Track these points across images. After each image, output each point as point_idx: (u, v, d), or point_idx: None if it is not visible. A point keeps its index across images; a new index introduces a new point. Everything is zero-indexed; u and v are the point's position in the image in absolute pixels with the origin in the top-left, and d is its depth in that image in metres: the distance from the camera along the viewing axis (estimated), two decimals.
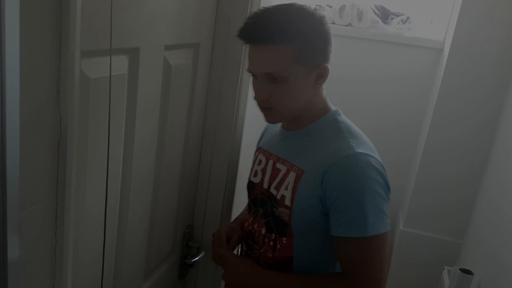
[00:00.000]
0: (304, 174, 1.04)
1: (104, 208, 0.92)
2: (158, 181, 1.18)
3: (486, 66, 1.86)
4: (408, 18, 2.24)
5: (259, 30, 0.98)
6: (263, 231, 1.14)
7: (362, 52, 2.27)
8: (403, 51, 2.20)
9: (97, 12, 0.78)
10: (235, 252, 1.25)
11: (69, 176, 0.73)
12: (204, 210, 1.45)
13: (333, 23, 2.30)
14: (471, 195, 1.95)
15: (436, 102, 1.94)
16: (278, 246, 1.11)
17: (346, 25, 2.28)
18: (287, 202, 1.06)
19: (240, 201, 1.44)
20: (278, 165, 1.11)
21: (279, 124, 1.19)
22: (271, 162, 1.14)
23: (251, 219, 1.19)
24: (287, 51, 0.97)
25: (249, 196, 1.21)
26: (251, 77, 1.05)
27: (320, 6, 2.32)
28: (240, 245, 1.26)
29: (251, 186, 1.20)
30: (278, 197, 1.08)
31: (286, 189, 1.07)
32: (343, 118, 1.11)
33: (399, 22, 2.23)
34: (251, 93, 1.32)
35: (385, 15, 2.26)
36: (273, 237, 1.12)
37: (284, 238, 1.09)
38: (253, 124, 1.43)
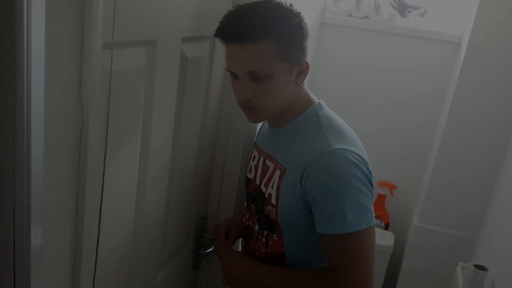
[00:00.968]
0: (286, 172, 1.04)
1: (122, 200, 0.93)
2: (173, 173, 1.19)
3: (505, 61, 1.83)
4: (426, 11, 2.21)
5: (239, 28, 0.96)
6: (256, 227, 1.16)
7: (378, 45, 2.25)
8: (420, 45, 2.18)
9: (118, 4, 0.78)
10: (237, 246, 1.26)
11: (90, 167, 0.74)
12: (217, 202, 1.46)
13: (350, 15, 2.28)
14: (487, 191, 1.93)
15: (453, 97, 1.92)
16: (270, 242, 1.12)
17: (363, 18, 2.26)
18: (273, 200, 1.07)
19: None
20: (267, 162, 1.11)
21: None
22: (262, 158, 1.14)
23: (247, 215, 1.20)
24: (269, 48, 0.96)
25: (246, 192, 1.22)
26: (231, 77, 1.04)
27: None
28: (241, 239, 1.28)
29: (247, 181, 1.21)
30: (266, 195, 1.09)
31: (272, 187, 1.07)
32: (325, 111, 1.09)
33: (416, 15, 2.20)
34: None
35: (402, 8, 2.23)
36: (265, 234, 1.13)
37: (275, 235, 1.11)
38: None
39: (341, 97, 2.33)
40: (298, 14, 1.01)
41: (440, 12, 2.22)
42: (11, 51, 0.54)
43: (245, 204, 1.24)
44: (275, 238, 1.11)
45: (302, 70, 1.03)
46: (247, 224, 1.21)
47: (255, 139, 1.26)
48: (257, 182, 1.14)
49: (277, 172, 1.06)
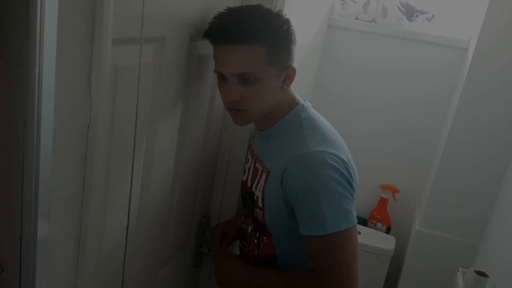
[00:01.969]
0: (270, 175, 1.05)
1: (126, 195, 0.94)
2: (178, 170, 1.19)
3: (511, 67, 1.83)
4: (433, 16, 2.21)
5: (230, 30, 0.96)
6: (250, 229, 1.17)
7: (385, 49, 2.25)
8: (426, 50, 2.18)
9: (127, 1, 0.79)
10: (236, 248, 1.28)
11: (96, 160, 0.74)
12: (220, 200, 1.46)
13: (357, 18, 2.29)
14: (490, 197, 1.93)
15: (458, 102, 1.92)
16: (261, 244, 1.13)
17: (370, 21, 2.26)
18: (260, 203, 1.08)
19: None
20: (257, 165, 1.12)
21: None
22: (253, 161, 1.15)
23: (243, 217, 1.22)
24: (260, 52, 0.96)
25: (241, 193, 1.24)
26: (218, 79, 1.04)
27: (344, 1, 2.30)
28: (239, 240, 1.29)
29: (242, 183, 1.22)
30: (255, 197, 1.10)
31: (260, 190, 1.08)
32: (308, 112, 1.09)
33: (424, 20, 2.20)
34: None
35: (410, 12, 2.23)
36: (257, 236, 1.14)
37: (265, 237, 1.12)
38: None
39: (347, 99, 2.33)
40: (287, 20, 1.02)
41: (448, 17, 2.22)
42: (23, 46, 0.54)
43: (241, 206, 1.25)
44: (266, 240, 1.12)
45: (289, 75, 1.04)
46: (243, 226, 1.22)
47: (250, 142, 1.27)
48: (249, 184, 1.15)
49: (264, 175, 1.07)
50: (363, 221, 2.39)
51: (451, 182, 1.98)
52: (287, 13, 1.19)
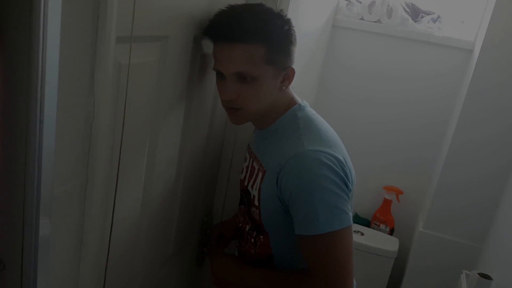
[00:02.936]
0: (265, 174, 1.05)
1: (129, 193, 0.94)
2: (180, 169, 1.19)
3: None
4: (438, 17, 2.20)
5: (229, 28, 0.96)
6: (247, 228, 1.17)
7: (390, 50, 2.24)
8: (432, 50, 2.17)
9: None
10: (233, 247, 1.28)
11: (99, 158, 0.74)
12: (223, 199, 1.46)
13: (362, 19, 2.28)
14: (494, 199, 1.92)
15: (463, 103, 1.91)
16: (258, 243, 1.13)
17: (375, 22, 2.26)
18: (256, 202, 1.08)
19: None
20: (254, 164, 1.12)
21: None
22: (251, 160, 1.15)
23: (241, 216, 1.21)
24: (258, 51, 0.96)
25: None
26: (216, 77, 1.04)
27: (350, 1, 2.30)
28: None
29: (240, 182, 1.22)
30: (252, 196, 1.10)
31: (256, 189, 1.08)
32: (305, 112, 1.09)
33: (429, 20, 2.19)
34: None
35: (415, 13, 2.23)
36: (254, 235, 1.14)
37: (261, 236, 1.11)
38: None
39: (351, 101, 2.33)
40: (288, 20, 1.02)
41: (453, 18, 2.21)
42: (26, 43, 0.54)
43: (239, 205, 1.25)
44: (262, 239, 1.11)
45: (287, 76, 1.04)
46: (240, 225, 1.22)
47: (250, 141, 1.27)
48: (246, 183, 1.15)
49: (260, 174, 1.07)
50: (366, 222, 2.38)
51: (455, 184, 1.98)
52: (291, 12, 1.18)
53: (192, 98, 1.15)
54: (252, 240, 1.15)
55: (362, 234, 2.23)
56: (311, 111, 1.10)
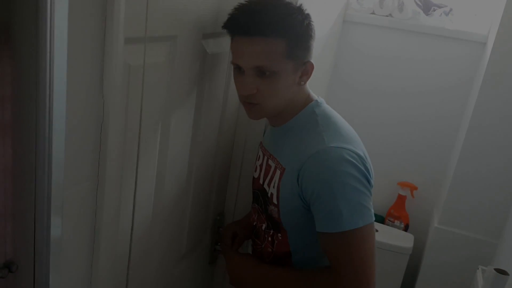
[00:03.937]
0: (285, 171, 1.04)
1: (141, 193, 0.94)
2: (192, 168, 1.19)
3: None
4: (451, 10, 2.17)
5: (249, 22, 0.96)
6: (264, 226, 1.16)
7: (402, 44, 2.22)
8: (444, 44, 2.14)
9: (139, 0, 0.79)
10: (247, 246, 1.27)
11: (110, 159, 0.75)
12: (235, 198, 1.46)
13: (373, 13, 2.26)
14: (510, 193, 1.89)
15: (477, 97, 1.89)
16: (276, 241, 1.13)
17: (386, 16, 2.23)
18: (275, 200, 1.07)
19: None
20: (270, 162, 1.11)
21: None
22: (265, 158, 1.14)
23: (255, 214, 1.21)
24: (279, 45, 0.96)
25: (252, 191, 1.23)
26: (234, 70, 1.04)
27: None
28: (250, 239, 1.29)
29: (253, 180, 1.22)
30: (269, 194, 1.09)
31: (274, 187, 1.07)
32: (323, 108, 1.08)
33: (441, 13, 2.16)
34: None
35: (427, 6, 2.20)
36: (271, 233, 1.14)
37: (279, 234, 1.11)
38: None
39: (363, 97, 2.31)
40: (308, 15, 1.01)
41: (466, 10, 2.17)
42: (34, 45, 0.55)
43: (252, 203, 1.24)
44: (280, 237, 1.11)
45: (306, 71, 1.03)
46: (255, 223, 1.22)
47: (262, 138, 1.27)
48: (261, 181, 1.14)
49: (278, 172, 1.06)
50: (380, 219, 2.36)
51: (470, 178, 1.95)
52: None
53: (202, 97, 1.15)
54: (270, 238, 1.14)
55: (377, 230, 2.19)
56: (328, 108, 1.10)
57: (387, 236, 2.18)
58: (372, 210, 0.98)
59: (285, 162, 1.05)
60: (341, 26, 2.27)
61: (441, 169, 2.25)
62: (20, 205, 0.61)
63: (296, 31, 0.98)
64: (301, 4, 1.02)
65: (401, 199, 2.31)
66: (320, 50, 1.94)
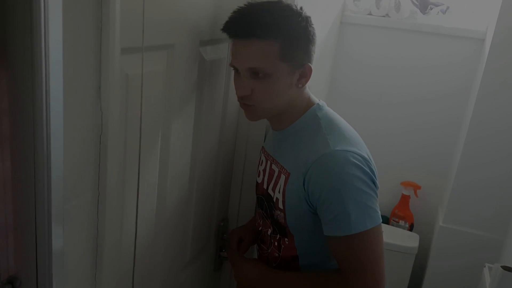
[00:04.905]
0: (290, 176, 1.04)
1: (143, 203, 0.94)
2: (193, 176, 1.19)
3: None
4: (448, 7, 2.17)
5: (244, 24, 0.97)
6: (269, 231, 1.16)
7: (400, 44, 2.22)
8: (442, 42, 2.14)
9: (134, 10, 0.79)
10: (252, 252, 1.27)
11: (110, 170, 0.75)
12: (238, 204, 1.46)
13: (370, 14, 2.26)
14: None
15: (478, 94, 1.88)
16: (282, 246, 1.12)
17: (383, 16, 2.23)
18: (280, 205, 1.07)
19: None
20: (273, 166, 1.11)
21: None
22: (268, 162, 1.14)
23: (260, 219, 1.21)
24: (272, 47, 0.96)
25: (256, 196, 1.23)
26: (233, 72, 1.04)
27: None
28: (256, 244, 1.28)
29: (256, 185, 1.22)
30: (274, 199, 1.09)
31: (279, 192, 1.07)
32: (325, 112, 1.08)
33: (438, 12, 2.16)
34: None
35: (424, 5, 2.20)
36: (277, 238, 1.13)
37: (286, 239, 1.11)
38: None
39: (363, 97, 2.30)
40: (307, 18, 1.01)
41: (463, 8, 2.17)
42: (30, 58, 0.55)
43: (256, 209, 1.24)
44: (287, 242, 1.11)
45: (304, 74, 1.03)
46: (260, 228, 1.21)
47: (263, 144, 1.26)
48: (265, 186, 1.14)
49: (282, 177, 1.06)
50: (385, 220, 2.35)
51: (473, 175, 1.94)
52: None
53: (202, 104, 1.15)
54: (276, 243, 1.14)
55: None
56: (330, 111, 1.10)
57: (392, 236, 2.17)
58: (379, 212, 0.99)
59: (290, 167, 1.05)
60: (339, 28, 2.27)
61: (444, 167, 2.24)
62: (20, 219, 0.61)
63: (291, 33, 0.97)
64: (301, 7, 1.02)
65: (405, 199, 2.30)
66: (318, 53, 1.94)
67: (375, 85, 2.28)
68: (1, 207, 0.60)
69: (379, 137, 2.30)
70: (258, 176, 1.20)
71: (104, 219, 0.78)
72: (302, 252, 1.10)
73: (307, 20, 1.01)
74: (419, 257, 2.19)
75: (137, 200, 0.94)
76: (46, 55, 0.54)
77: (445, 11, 2.17)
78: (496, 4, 1.90)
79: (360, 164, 0.96)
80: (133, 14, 0.79)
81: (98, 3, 0.68)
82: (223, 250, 1.44)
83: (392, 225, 2.32)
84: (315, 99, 1.11)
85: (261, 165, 1.20)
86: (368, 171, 0.97)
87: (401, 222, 2.31)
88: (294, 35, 0.98)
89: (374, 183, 0.98)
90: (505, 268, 1.42)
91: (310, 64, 1.03)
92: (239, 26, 0.98)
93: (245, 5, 1.00)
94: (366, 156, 1.00)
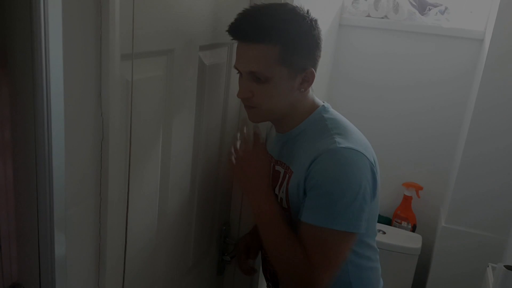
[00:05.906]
0: (293, 174, 1.04)
1: (145, 208, 0.94)
2: (195, 180, 1.19)
3: None
4: (446, 8, 2.18)
5: (246, 28, 0.97)
6: None
7: (399, 45, 2.22)
8: (441, 43, 2.15)
9: (134, 15, 0.80)
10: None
11: (112, 176, 0.75)
12: (240, 207, 1.46)
13: (369, 16, 2.27)
14: None
15: (477, 95, 1.88)
16: None
17: (382, 18, 2.24)
18: (284, 204, 1.07)
19: None
20: (277, 168, 1.11)
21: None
22: (271, 164, 1.14)
23: None
24: (271, 51, 0.96)
25: None
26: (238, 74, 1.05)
27: None
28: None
29: None
30: (279, 199, 1.09)
31: (283, 191, 1.07)
32: (331, 113, 1.08)
33: (437, 12, 2.17)
34: None
35: (422, 6, 2.20)
36: None
37: None
38: None
39: (363, 99, 2.31)
40: (311, 21, 1.00)
41: (461, 8, 2.18)
42: (30, 65, 0.55)
43: None
44: None
45: (306, 78, 1.03)
46: None
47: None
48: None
49: (286, 176, 1.07)
50: (387, 221, 2.35)
51: (475, 176, 1.94)
52: None
53: (202, 108, 1.15)
54: None
55: (384, 232, 2.20)
56: (336, 112, 1.10)
57: (395, 237, 2.17)
58: (362, 223, 0.97)
59: (294, 165, 1.05)
60: (338, 31, 2.28)
61: (446, 168, 2.24)
62: (23, 226, 0.61)
63: (292, 37, 0.97)
64: (307, 11, 1.01)
65: (407, 199, 2.30)
66: None
67: (375, 86, 2.29)
68: (3, 214, 0.60)
69: (379, 139, 2.30)
70: None
71: (106, 225, 0.78)
72: None
73: (311, 23, 1.00)
74: (422, 258, 2.19)
75: (139, 205, 0.94)
76: (47, 62, 0.55)
77: (444, 12, 2.17)
78: (494, 5, 1.90)
79: (363, 166, 0.97)
80: (132, 21, 0.79)
81: (98, 10, 0.68)
82: (226, 254, 1.44)
83: (395, 226, 2.32)
84: (320, 101, 1.11)
85: None
86: (370, 176, 0.98)
87: (404, 223, 2.31)
88: (295, 39, 0.97)
89: (372, 190, 0.99)
90: (508, 267, 1.41)
91: (313, 69, 1.02)
92: (240, 29, 0.98)
93: (250, 7, 1.01)
94: (372, 159, 1.00)
